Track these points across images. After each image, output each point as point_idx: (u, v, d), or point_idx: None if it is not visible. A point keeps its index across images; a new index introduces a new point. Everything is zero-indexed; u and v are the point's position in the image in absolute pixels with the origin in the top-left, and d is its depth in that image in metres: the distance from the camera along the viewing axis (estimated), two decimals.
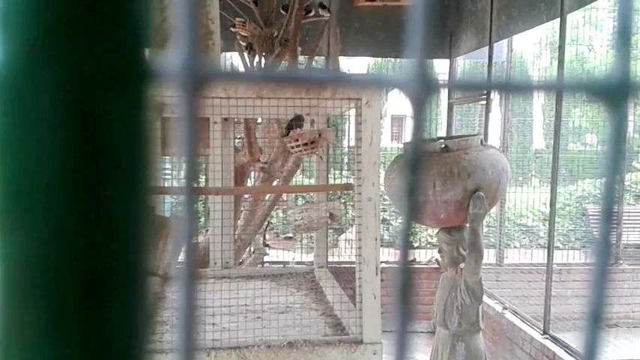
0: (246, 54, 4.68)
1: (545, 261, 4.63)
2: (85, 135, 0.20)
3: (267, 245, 5.51)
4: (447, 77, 7.01)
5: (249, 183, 5.01)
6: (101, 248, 0.21)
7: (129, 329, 0.22)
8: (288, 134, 3.04)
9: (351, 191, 2.86)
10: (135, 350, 0.22)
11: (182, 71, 0.21)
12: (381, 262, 2.52)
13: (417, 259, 7.10)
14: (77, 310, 0.20)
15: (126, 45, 0.20)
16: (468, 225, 3.36)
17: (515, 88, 0.26)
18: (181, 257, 0.25)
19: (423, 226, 6.33)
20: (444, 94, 7.28)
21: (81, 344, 0.21)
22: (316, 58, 5.49)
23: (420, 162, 0.23)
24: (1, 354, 0.21)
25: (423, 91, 0.22)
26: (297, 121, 3.19)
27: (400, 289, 0.24)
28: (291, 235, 7.30)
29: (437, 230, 3.64)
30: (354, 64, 9.88)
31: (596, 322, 0.27)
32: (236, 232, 4.29)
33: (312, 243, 4.60)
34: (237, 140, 4.44)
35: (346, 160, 7.97)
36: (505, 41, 5.90)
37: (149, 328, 0.23)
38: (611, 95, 0.24)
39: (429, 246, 7.56)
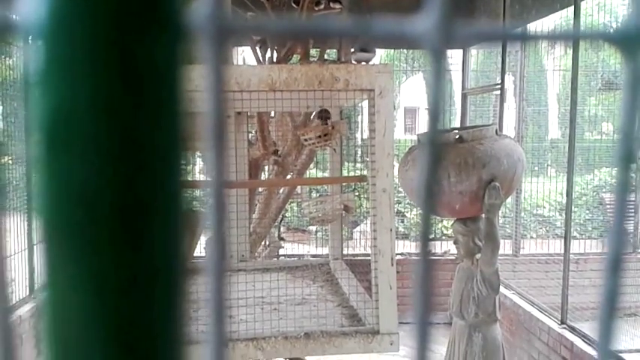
0: (258, 48, 4.68)
1: (562, 251, 4.60)
2: (117, 73, 0.21)
3: (282, 238, 5.53)
4: (460, 68, 6.97)
5: (263, 176, 5.03)
6: (135, 179, 0.22)
7: (167, 253, 0.23)
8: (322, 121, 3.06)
9: (365, 183, 2.86)
10: (174, 274, 0.23)
11: (208, 23, 0.22)
12: (397, 253, 2.52)
13: (433, 251, 7.07)
14: (112, 237, 0.22)
15: None
16: (483, 216, 3.35)
17: (531, 37, 0.26)
18: (205, 250, 0.26)
19: (438, 217, 6.31)
20: (458, 84, 7.22)
21: (119, 265, 0.22)
22: (328, 51, 5.48)
23: (442, 117, 0.24)
24: (45, 275, 0.22)
25: (442, 42, 0.22)
26: (324, 114, 3.20)
27: (420, 281, 0.25)
28: (304, 228, 7.32)
29: (452, 221, 3.63)
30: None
31: (611, 311, 0.27)
32: (251, 226, 4.31)
33: (327, 236, 4.61)
34: (250, 134, 4.46)
35: (360, 153, 7.96)
36: (519, 30, 5.84)
37: (187, 254, 0.24)
38: (630, 43, 0.25)
39: (444, 237, 7.54)
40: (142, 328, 0.23)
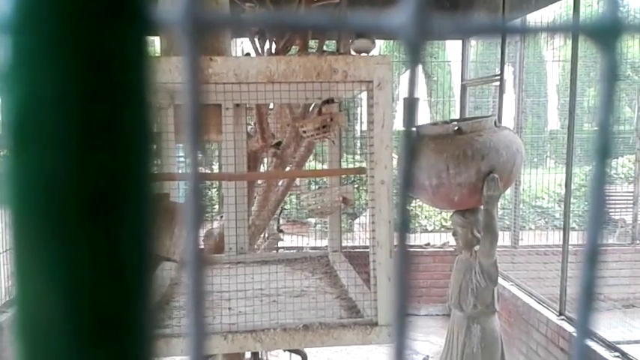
0: (256, 39, 4.66)
1: (561, 242, 4.60)
2: (86, 64, 0.21)
3: (281, 231, 5.54)
4: (459, 59, 6.94)
5: (262, 169, 5.02)
6: (104, 164, 0.22)
7: (135, 238, 0.23)
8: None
9: (364, 175, 2.86)
10: (144, 264, 0.23)
11: (184, 17, 0.22)
12: (395, 245, 2.52)
13: (432, 243, 7.09)
14: (82, 227, 0.22)
15: None
16: (482, 207, 3.35)
17: (511, 30, 0.26)
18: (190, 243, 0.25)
19: (436, 209, 6.31)
20: (457, 75, 7.19)
21: (88, 254, 0.22)
22: (327, 42, 5.46)
23: (416, 111, 0.24)
24: (14, 267, 0.22)
25: (419, 36, 0.22)
26: (329, 103, 3.19)
27: (399, 272, 0.25)
28: (303, 220, 7.33)
29: (451, 213, 3.63)
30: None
31: (589, 302, 0.27)
32: (250, 218, 4.31)
33: (326, 228, 4.61)
34: (249, 126, 4.44)
35: (359, 145, 7.95)
36: (518, 21, 5.82)
37: (155, 240, 0.24)
38: (604, 35, 0.25)
39: (443, 229, 7.55)
40: (112, 318, 0.22)
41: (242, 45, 6.28)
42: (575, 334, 0.28)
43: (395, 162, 2.70)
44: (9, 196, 0.22)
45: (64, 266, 0.22)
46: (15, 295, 0.22)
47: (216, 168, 5.40)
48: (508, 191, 5.33)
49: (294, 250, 5.80)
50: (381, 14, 0.23)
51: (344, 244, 4.14)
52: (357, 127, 7.85)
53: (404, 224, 0.25)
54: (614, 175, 8.41)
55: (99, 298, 0.22)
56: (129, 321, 0.23)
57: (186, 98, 0.23)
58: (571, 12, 4.41)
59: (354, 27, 0.24)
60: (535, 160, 9.09)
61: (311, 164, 6.48)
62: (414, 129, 0.25)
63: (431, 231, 7.77)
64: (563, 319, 4.44)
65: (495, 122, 3.46)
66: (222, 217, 4.29)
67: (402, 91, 13.47)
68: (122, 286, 0.22)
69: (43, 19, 0.21)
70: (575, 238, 6.67)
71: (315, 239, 7.36)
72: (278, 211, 5.00)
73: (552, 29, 0.28)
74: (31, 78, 0.21)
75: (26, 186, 0.22)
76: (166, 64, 2.01)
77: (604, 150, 0.26)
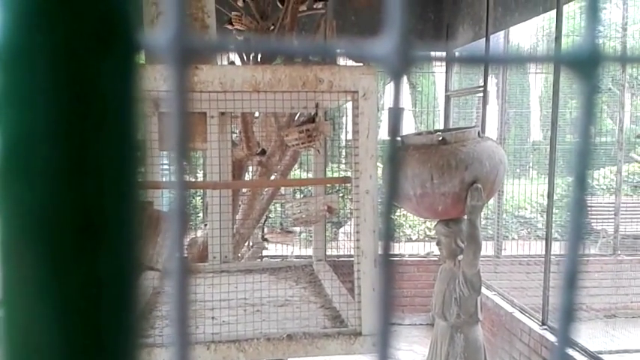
0: None
1: (544, 252, 4.65)
2: (76, 96, 0.22)
3: (265, 239, 5.52)
4: (444, 70, 7.01)
5: (247, 177, 5.01)
6: (92, 196, 0.23)
7: (121, 268, 0.23)
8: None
9: (349, 184, 2.87)
10: (128, 289, 0.24)
11: (171, 44, 0.22)
12: (379, 254, 2.52)
13: (416, 252, 7.11)
14: (73, 253, 0.22)
15: (113, 15, 0.22)
16: (465, 217, 3.37)
17: (493, 60, 0.26)
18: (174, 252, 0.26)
19: (421, 218, 6.33)
20: (441, 86, 7.25)
21: (77, 284, 0.23)
22: None
23: (399, 133, 0.24)
24: (3, 297, 0.22)
25: (401, 64, 0.23)
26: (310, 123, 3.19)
27: (382, 282, 0.25)
28: (290, 229, 7.31)
29: (435, 222, 3.65)
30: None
31: (569, 312, 0.27)
32: (234, 227, 4.29)
33: (311, 237, 4.61)
34: (234, 134, 4.44)
35: (344, 154, 7.97)
36: (502, 33, 5.90)
37: (140, 267, 0.24)
38: (583, 65, 0.25)
39: (427, 238, 7.58)
40: (100, 329, 0.23)
41: (227, 53, 6.27)
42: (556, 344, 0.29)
43: (380, 172, 2.72)
44: None
45: (54, 288, 0.22)
46: (2, 303, 0.22)
47: (200, 176, 5.38)
48: (491, 201, 5.37)
49: (279, 259, 5.78)
50: (364, 42, 0.24)
51: (328, 253, 4.14)
52: (342, 137, 7.86)
53: (388, 233, 0.25)
54: (596, 187, 8.52)
55: (86, 311, 0.22)
56: (115, 331, 0.23)
57: (172, 116, 0.23)
58: (553, 25, 4.48)
59: (337, 54, 0.24)
60: (518, 170, 9.17)
61: (296, 173, 6.48)
62: (398, 140, 0.25)
63: (415, 240, 7.80)
64: (545, 329, 4.47)
65: (479, 133, 3.49)
66: (206, 225, 4.27)
67: (387, 101, 13.55)
68: (109, 297, 0.23)
69: (32, 52, 0.21)
70: (558, 248, 6.74)
71: (300, 248, 7.35)
72: (263, 220, 4.99)
73: (533, 59, 0.29)
74: (21, 110, 0.21)
75: (16, 210, 0.22)
76: (151, 72, 2.00)
77: (581, 178, 0.27)
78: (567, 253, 0.27)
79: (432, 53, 0.24)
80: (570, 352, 3.89)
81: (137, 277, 0.24)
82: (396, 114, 0.24)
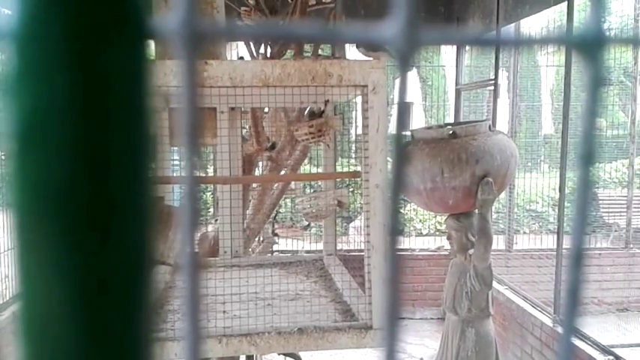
0: (251, 43, 4.67)
1: (555, 246, 4.62)
2: (89, 78, 0.22)
3: (276, 234, 5.53)
4: (454, 63, 6.97)
5: (257, 172, 5.02)
6: (105, 173, 0.23)
7: (135, 243, 0.24)
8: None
9: (359, 179, 2.86)
10: (143, 269, 0.24)
11: (181, 29, 0.22)
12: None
13: (427, 246, 7.10)
14: (86, 229, 0.23)
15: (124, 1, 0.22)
16: (476, 211, 3.36)
17: (503, 42, 0.26)
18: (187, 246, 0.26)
19: (431, 212, 6.32)
20: (452, 80, 7.21)
21: (90, 257, 0.23)
22: (322, 46, 5.47)
23: (407, 119, 0.24)
24: (19, 269, 0.23)
25: (408, 46, 0.23)
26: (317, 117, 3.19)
27: (389, 276, 0.25)
28: (306, 223, 7.31)
29: (445, 217, 3.64)
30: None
31: (574, 304, 0.27)
32: (245, 222, 4.30)
33: (321, 232, 4.62)
34: (244, 130, 4.44)
35: (354, 148, 7.96)
36: (512, 25, 5.85)
37: (154, 242, 0.25)
38: (589, 47, 0.25)
39: (437, 233, 7.56)
40: (113, 322, 0.23)
41: (237, 48, 6.28)
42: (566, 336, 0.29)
43: (389, 165, 2.71)
44: (14, 198, 0.22)
45: (67, 272, 0.22)
46: (19, 294, 0.22)
47: (211, 171, 5.39)
48: (502, 195, 5.35)
49: (289, 254, 5.79)
50: (372, 25, 0.24)
51: (339, 247, 4.14)
52: (352, 131, 7.85)
53: (395, 227, 0.25)
54: (608, 180, 8.45)
55: (100, 305, 0.23)
56: (128, 323, 0.23)
57: (183, 105, 0.23)
58: (564, 18, 4.44)
59: (345, 38, 0.25)
60: (529, 164, 9.12)
61: (306, 168, 6.48)
62: (405, 133, 0.25)
63: (425, 234, 7.78)
64: (557, 323, 4.45)
65: (490, 126, 3.47)
66: (216, 220, 4.28)
67: (397, 95, 13.51)
68: (121, 289, 0.23)
69: (48, 30, 0.21)
70: (569, 241, 6.68)
71: (310, 242, 7.36)
72: (273, 215, 5.00)
73: (540, 41, 0.29)
74: (37, 88, 0.22)
75: (32, 190, 0.22)
76: (161, 68, 2.01)
77: (588, 157, 0.27)
78: (573, 232, 0.27)
79: (440, 35, 0.25)
80: (583, 345, 3.87)
81: (149, 270, 0.24)
82: (402, 101, 0.24)
